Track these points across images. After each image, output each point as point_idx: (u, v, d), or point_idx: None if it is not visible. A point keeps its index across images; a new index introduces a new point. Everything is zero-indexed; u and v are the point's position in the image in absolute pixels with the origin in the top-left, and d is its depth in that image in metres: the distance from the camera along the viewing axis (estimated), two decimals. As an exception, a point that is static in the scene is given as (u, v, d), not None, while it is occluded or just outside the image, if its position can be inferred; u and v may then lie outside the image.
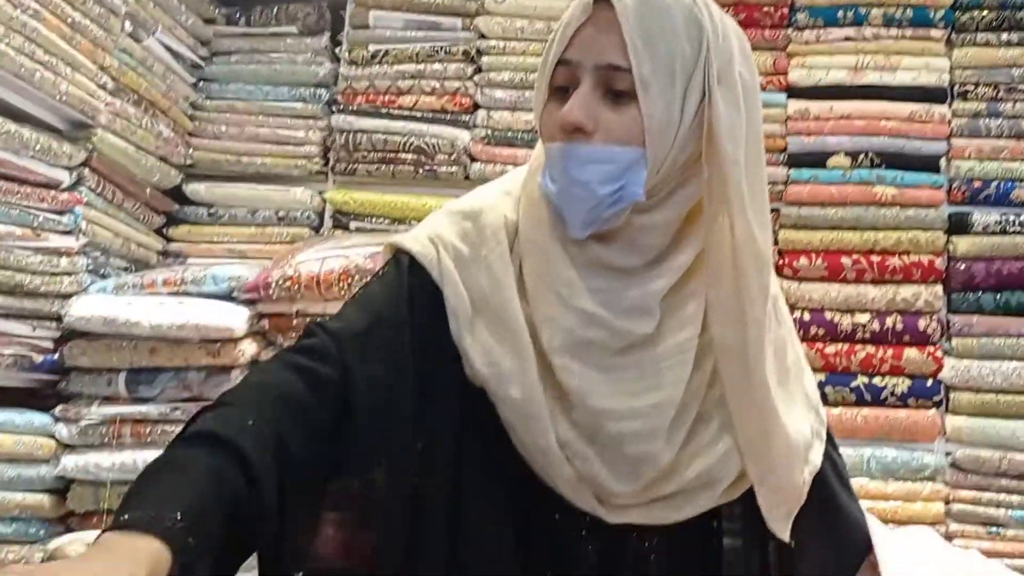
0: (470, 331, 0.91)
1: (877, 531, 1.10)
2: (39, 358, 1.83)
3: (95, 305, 1.83)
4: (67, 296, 1.84)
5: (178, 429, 0.81)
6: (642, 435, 0.89)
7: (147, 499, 0.68)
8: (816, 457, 0.99)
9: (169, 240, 2.26)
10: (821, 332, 2.09)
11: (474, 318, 0.92)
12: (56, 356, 1.84)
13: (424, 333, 0.92)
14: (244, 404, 0.83)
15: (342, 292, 1.90)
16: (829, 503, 1.04)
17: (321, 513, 0.91)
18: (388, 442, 0.90)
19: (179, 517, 0.67)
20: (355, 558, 0.99)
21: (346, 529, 1.00)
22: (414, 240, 0.96)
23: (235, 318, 1.87)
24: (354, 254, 1.96)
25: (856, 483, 1.88)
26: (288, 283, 1.91)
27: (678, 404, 0.90)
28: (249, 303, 1.93)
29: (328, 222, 2.29)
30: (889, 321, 2.06)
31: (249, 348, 1.89)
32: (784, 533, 0.97)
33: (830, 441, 1.05)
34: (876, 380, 2.06)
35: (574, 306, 0.90)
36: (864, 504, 1.13)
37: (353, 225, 2.26)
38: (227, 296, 1.93)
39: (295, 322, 1.95)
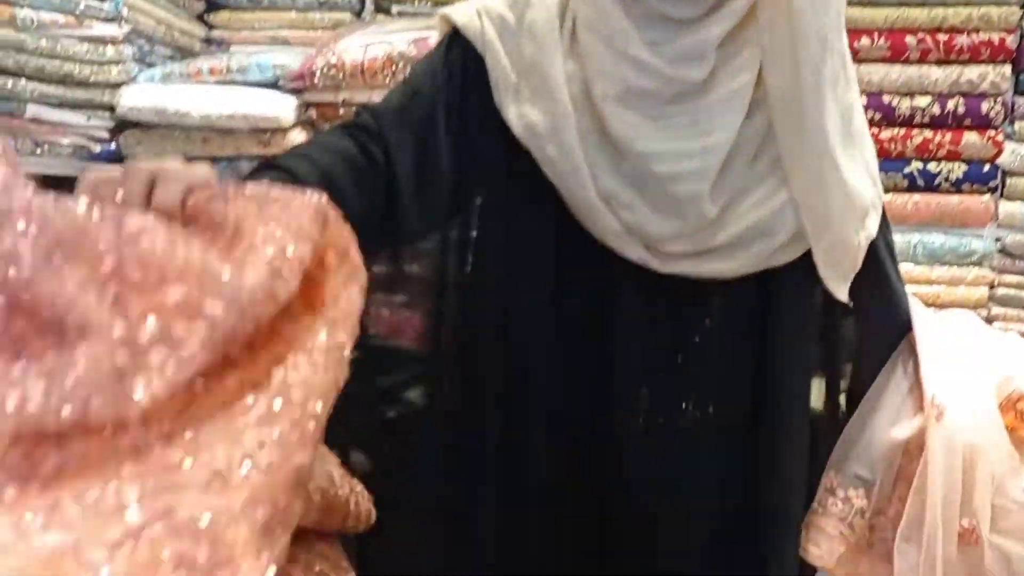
0: (513, 97, 0.94)
1: (918, 312, 1.13)
2: (97, 148, 1.87)
3: (145, 95, 1.84)
4: (117, 86, 1.84)
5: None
6: (691, 175, 0.91)
7: None
8: (872, 225, 1.01)
9: (211, 27, 2.23)
10: (878, 117, 2.03)
11: (519, 83, 0.94)
12: (113, 146, 1.88)
13: (467, 104, 0.95)
14: (300, 155, 0.88)
15: (386, 79, 1.88)
16: (880, 277, 1.06)
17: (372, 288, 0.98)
18: (429, 216, 0.95)
19: None
20: (407, 335, 1.06)
21: (397, 308, 1.06)
22: (460, 13, 0.98)
23: (282, 107, 1.88)
24: (397, 40, 1.92)
25: (901, 269, 1.90)
26: (332, 71, 1.89)
27: (728, 148, 0.91)
28: (295, 92, 1.92)
29: (369, 6, 2.23)
30: (951, 104, 2.00)
31: (298, 137, 1.90)
32: (842, 294, 1.01)
33: (884, 220, 1.06)
34: (931, 166, 2.02)
35: (628, 55, 0.90)
36: (908, 289, 1.16)
37: (395, 9, 2.19)
38: (273, 84, 1.92)
39: (341, 111, 1.95)
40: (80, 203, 0.61)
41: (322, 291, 0.68)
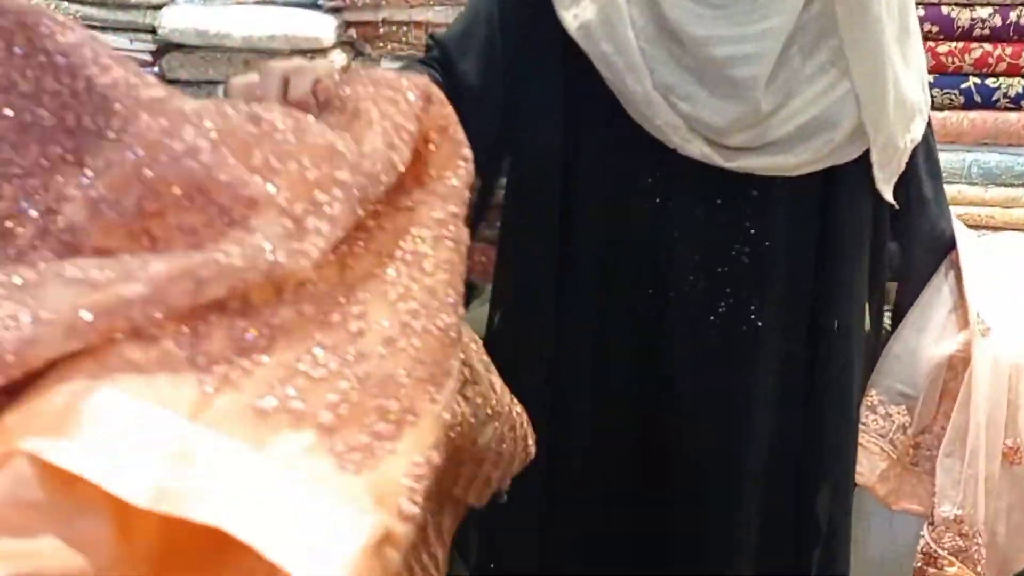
0: (571, 1, 0.95)
1: (962, 233, 1.11)
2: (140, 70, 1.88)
3: (186, 16, 1.84)
4: (158, 7, 1.84)
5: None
6: (750, 58, 0.91)
7: None
8: (917, 130, 1.00)
9: (249, -54, 2.20)
10: (935, 30, 1.95)
11: None
12: (156, 68, 1.89)
13: (525, 16, 0.96)
14: None
15: (428, -2, 1.85)
16: (916, 185, 1.05)
17: None
18: (494, 141, 0.97)
19: None
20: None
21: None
22: None
23: (323, 27, 1.86)
24: (438, -44, 1.88)
25: (954, 189, 1.85)
26: (372, -11, 1.87)
27: (788, 32, 0.92)
28: (335, 11, 1.91)
29: (409, -79, 2.18)
30: (1013, 15, 1.91)
31: (339, 58, 1.89)
32: (888, 193, 1.01)
33: (929, 129, 1.04)
34: (989, 81, 1.95)
35: None
36: (961, 210, 1.14)
37: (437, -77, 2.14)
38: (312, 4, 1.91)
39: (382, 31, 1.93)
40: (227, 104, 0.71)
41: (428, 167, 0.78)
